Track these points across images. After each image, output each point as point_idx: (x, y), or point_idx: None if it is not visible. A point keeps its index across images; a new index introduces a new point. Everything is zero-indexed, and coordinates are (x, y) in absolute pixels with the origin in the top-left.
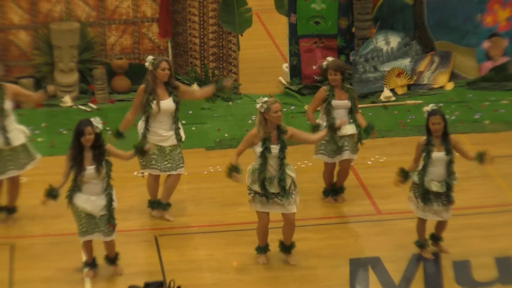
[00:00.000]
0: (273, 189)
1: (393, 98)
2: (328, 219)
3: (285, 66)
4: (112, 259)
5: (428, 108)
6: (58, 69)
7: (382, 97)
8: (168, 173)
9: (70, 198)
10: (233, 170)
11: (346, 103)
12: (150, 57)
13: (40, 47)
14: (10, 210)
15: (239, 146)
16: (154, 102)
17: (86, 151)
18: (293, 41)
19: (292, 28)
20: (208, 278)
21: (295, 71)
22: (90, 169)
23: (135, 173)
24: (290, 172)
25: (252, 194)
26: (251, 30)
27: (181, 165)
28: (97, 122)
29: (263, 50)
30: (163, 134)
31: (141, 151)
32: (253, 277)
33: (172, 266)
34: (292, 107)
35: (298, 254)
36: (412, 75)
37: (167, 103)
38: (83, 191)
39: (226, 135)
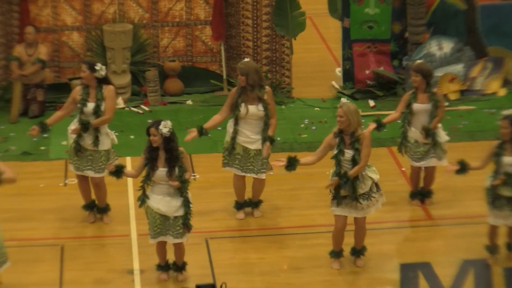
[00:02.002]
0: (346, 191)
1: (446, 104)
2: (379, 224)
3: (338, 71)
4: (180, 266)
5: (507, 112)
6: (110, 71)
7: None
8: (249, 175)
9: (142, 199)
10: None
11: (426, 106)
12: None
13: (92, 48)
14: (102, 210)
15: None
16: (243, 105)
17: (160, 151)
18: (346, 46)
19: (346, 32)
20: (259, 281)
21: (348, 76)
22: (161, 170)
23: None
24: (371, 174)
25: (332, 196)
26: (304, 34)
27: (262, 170)
28: (164, 125)
29: (316, 54)
30: (250, 136)
31: (118, 173)
32: (303, 281)
33: (222, 269)
34: None
35: (348, 259)
36: (465, 80)
37: (254, 108)
38: (157, 192)
39: (278, 138)
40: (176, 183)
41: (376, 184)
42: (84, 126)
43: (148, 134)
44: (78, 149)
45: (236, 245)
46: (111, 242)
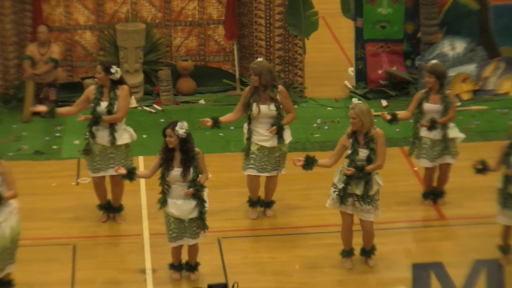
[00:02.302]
0: (358, 190)
1: (458, 104)
2: (391, 224)
3: (351, 70)
4: (192, 266)
5: None
6: (123, 70)
7: None
8: (264, 175)
9: (162, 201)
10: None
11: (437, 107)
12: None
13: (105, 47)
14: (115, 209)
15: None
16: (254, 104)
17: (176, 152)
18: (359, 45)
19: (358, 32)
20: (271, 281)
21: (361, 75)
22: (176, 170)
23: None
24: (379, 180)
25: (335, 191)
26: (317, 34)
27: (277, 167)
28: (180, 126)
29: (329, 54)
30: (264, 134)
31: (130, 175)
32: (315, 281)
33: (235, 269)
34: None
35: (359, 259)
36: (477, 80)
37: (266, 108)
38: (170, 195)
39: (291, 138)
40: (190, 191)
41: (378, 192)
42: (95, 120)
43: (164, 135)
44: (89, 152)
45: (248, 245)
46: (123, 242)
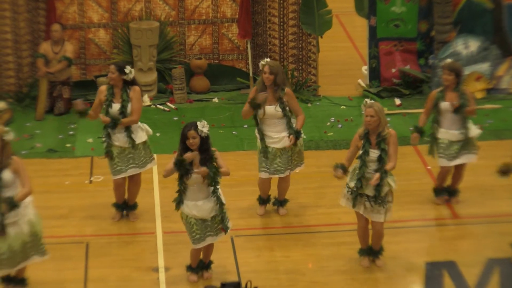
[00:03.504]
0: (368, 191)
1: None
2: (404, 222)
3: (365, 69)
4: (206, 264)
5: None
6: (137, 68)
7: None
8: (276, 176)
9: (178, 201)
10: (338, 167)
11: (447, 105)
12: (266, 59)
13: (119, 46)
14: (130, 207)
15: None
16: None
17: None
18: (372, 44)
19: (372, 30)
20: (284, 279)
21: (374, 74)
22: (196, 172)
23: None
24: (391, 181)
25: (348, 191)
26: (330, 32)
27: (289, 167)
28: (202, 126)
29: (343, 52)
30: (273, 136)
31: (180, 165)
32: (328, 279)
33: (248, 267)
34: None
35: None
36: (491, 79)
37: (272, 109)
38: (189, 197)
39: (304, 137)
40: (203, 169)
41: (392, 193)
42: (114, 123)
43: (185, 138)
44: (111, 155)
45: (262, 243)
46: (136, 240)
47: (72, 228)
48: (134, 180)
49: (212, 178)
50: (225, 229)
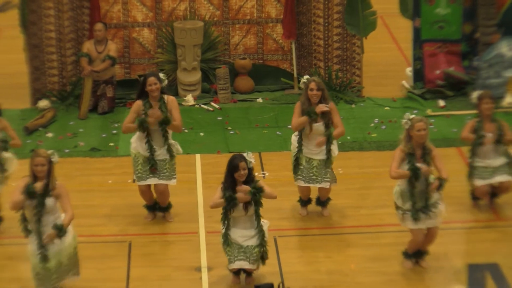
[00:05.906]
0: (421, 203)
1: None
2: (446, 224)
3: (409, 70)
4: (249, 273)
5: None
6: (181, 68)
7: (505, 103)
8: (312, 185)
9: (226, 235)
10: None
11: (493, 136)
12: (305, 77)
13: (163, 45)
14: (164, 209)
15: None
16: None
17: (238, 185)
18: (417, 45)
19: (416, 32)
20: (326, 280)
21: (419, 75)
22: (241, 205)
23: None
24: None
25: (402, 213)
26: (375, 33)
27: (326, 179)
28: (250, 157)
29: (387, 54)
30: (314, 149)
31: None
32: (370, 280)
33: (290, 267)
34: (415, 111)
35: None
36: None
37: (320, 126)
38: (234, 226)
39: (348, 137)
40: (245, 187)
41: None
42: (165, 120)
43: (236, 170)
44: (154, 165)
45: (304, 244)
46: (178, 240)
47: (114, 227)
48: (161, 192)
49: (256, 212)
50: (263, 260)
